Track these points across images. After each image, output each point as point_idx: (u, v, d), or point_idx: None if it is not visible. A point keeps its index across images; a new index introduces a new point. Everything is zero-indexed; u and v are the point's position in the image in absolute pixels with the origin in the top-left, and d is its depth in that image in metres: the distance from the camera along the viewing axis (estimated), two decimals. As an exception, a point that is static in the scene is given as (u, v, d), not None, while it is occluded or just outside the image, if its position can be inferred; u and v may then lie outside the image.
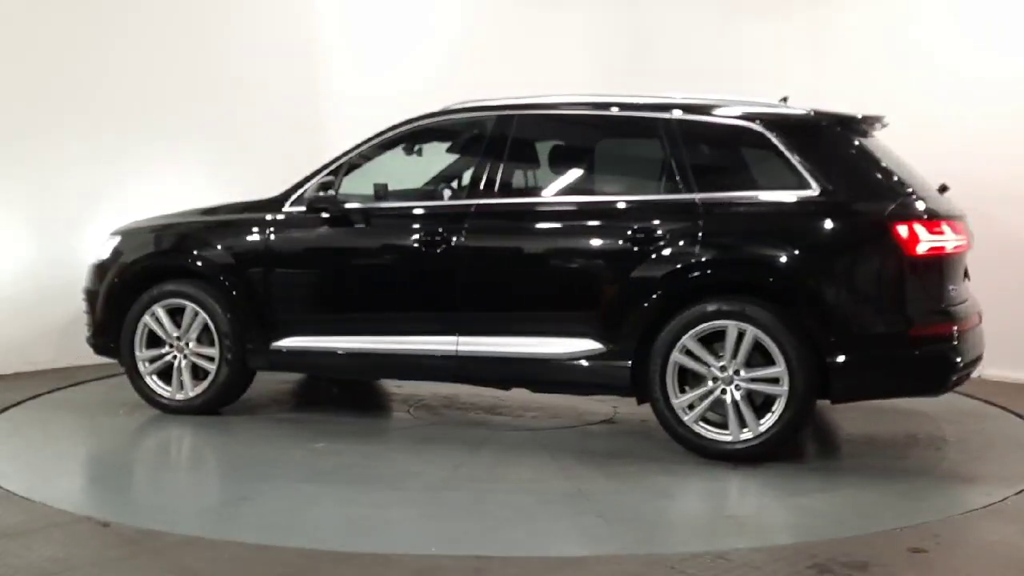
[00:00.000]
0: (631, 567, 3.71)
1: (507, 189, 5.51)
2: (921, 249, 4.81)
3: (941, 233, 4.89)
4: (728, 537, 4.03)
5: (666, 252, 5.06)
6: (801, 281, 4.92)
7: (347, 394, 6.70)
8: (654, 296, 5.05)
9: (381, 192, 5.63)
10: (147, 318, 5.97)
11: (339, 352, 5.66)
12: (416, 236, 5.49)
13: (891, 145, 5.39)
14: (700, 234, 5.05)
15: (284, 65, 8.58)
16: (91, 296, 6.30)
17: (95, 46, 7.56)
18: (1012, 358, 6.64)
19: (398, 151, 5.86)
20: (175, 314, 5.94)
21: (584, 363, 5.18)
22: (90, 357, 7.48)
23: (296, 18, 8.74)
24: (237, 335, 5.79)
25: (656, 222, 5.12)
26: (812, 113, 5.20)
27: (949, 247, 4.93)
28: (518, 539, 4.04)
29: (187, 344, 5.92)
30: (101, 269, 6.24)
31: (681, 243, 5.05)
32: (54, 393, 6.65)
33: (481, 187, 5.51)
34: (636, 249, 5.10)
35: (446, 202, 5.80)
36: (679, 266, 5.03)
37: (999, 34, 7.34)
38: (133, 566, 3.64)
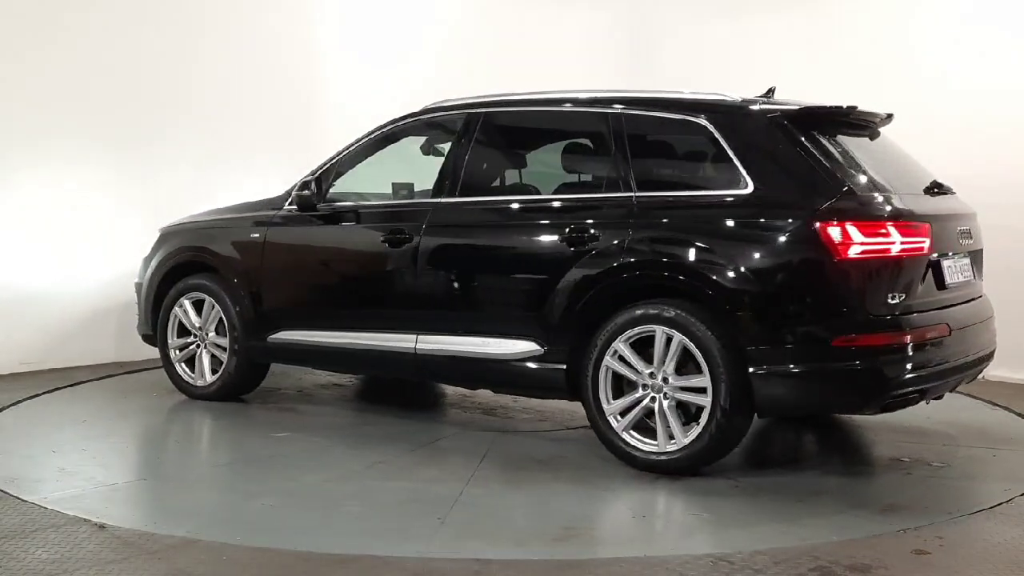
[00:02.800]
0: (632, 569, 3.68)
1: (465, 188, 5.53)
2: (853, 252, 4.46)
3: (883, 235, 4.51)
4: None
5: (598, 253, 4.91)
6: (723, 285, 4.60)
7: (409, 395, 6.71)
8: (587, 298, 4.92)
9: (402, 192, 5.87)
10: (176, 309, 6.45)
11: (320, 346, 5.88)
12: (383, 235, 5.61)
13: (891, 141, 5.31)
14: (630, 234, 4.87)
15: (284, 65, 8.55)
16: (139, 289, 6.78)
17: (91, 45, 7.52)
18: (1014, 359, 6.62)
19: (393, 151, 5.99)
20: (199, 306, 6.38)
21: (527, 364, 5.12)
22: (88, 358, 7.50)
23: (295, 18, 8.71)
24: (242, 327, 6.11)
25: (591, 221, 4.99)
26: (759, 106, 4.92)
27: (894, 250, 4.53)
28: (309, 527, 4.12)
29: (207, 335, 6.33)
30: (146, 264, 6.72)
31: (613, 243, 4.89)
32: (51, 393, 6.64)
33: (442, 186, 5.58)
34: (572, 249, 4.98)
35: (411, 201, 5.92)
36: (609, 267, 4.87)
37: (1000, 33, 7.33)
38: (130, 568, 3.62)
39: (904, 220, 4.60)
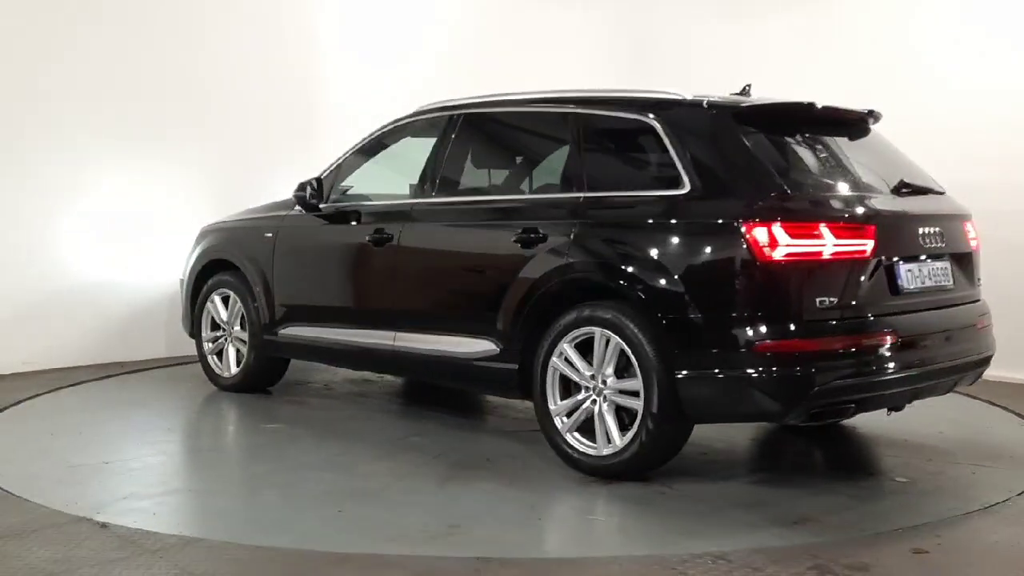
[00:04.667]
0: (631, 568, 3.69)
1: (440, 189, 5.61)
2: (779, 255, 4.28)
3: (813, 237, 4.32)
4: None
5: (546, 253, 4.90)
6: (653, 287, 4.52)
7: (436, 396, 6.70)
8: (535, 299, 4.92)
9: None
10: (208, 305, 6.77)
11: (318, 342, 6.10)
12: (369, 235, 5.72)
13: (879, 140, 5.19)
14: (574, 235, 4.84)
15: (284, 65, 8.55)
16: (182, 285, 7.05)
17: (90, 45, 7.53)
18: (1014, 359, 6.63)
19: (392, 151, 6.12)
20: (228, 302, 6.68)
21: (487, 364, 5.16)
22: (88, 358, 7.50)
23: (296, 18, 8.72)
24: (257, 323, 6.38)
25: (541, 221, 4.98)
26: (705, 103, 4.76)
27: (826, 253, 4.33)
28: (230, 510, 4.35)
29: (232, 329, 6.65)
30: (187, 261, 7.00)
31: (559, 244, 4.86)
32: (52, 393, 6.64)
33: (421, 188, 5.70)
34: (524, 250, 4.99)
35: (394, 202, 6.01)
36: (554, 268, 4.86)
37: (1000, 33, 7.34)
38: (131, 567, 3.62)
39: (840, 221, 4.40)
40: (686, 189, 4.57)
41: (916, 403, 5.06)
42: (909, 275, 4.65)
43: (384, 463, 5.05)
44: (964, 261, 5.04)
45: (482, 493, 4.57)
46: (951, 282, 4.91)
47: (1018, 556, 3.88)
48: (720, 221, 4.43)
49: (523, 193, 5.61)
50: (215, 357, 6.79)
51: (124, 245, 7.76)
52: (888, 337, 4.46)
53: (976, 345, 4.99)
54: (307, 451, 5.29)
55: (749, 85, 5.24)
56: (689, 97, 4.83)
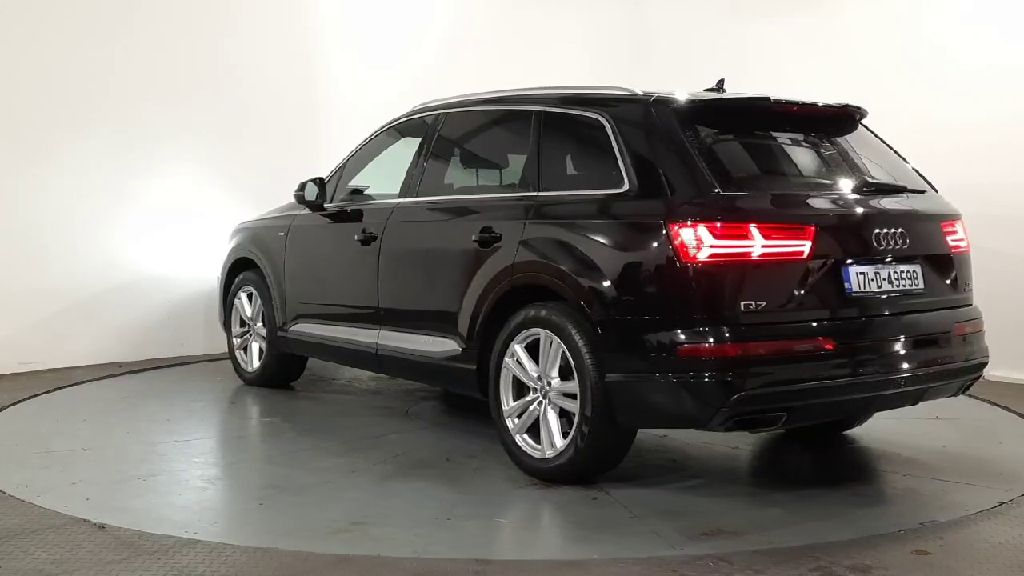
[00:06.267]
0: (632, 569, 3.67)
1: (420, 189, 5.65)
2: (704, 256, 4.11)
3: (740, 237, 4.13)
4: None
5: (499, 253, 4.87)
6: (587, 288, 4.43)
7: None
8: (491, 298, 4.90)
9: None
10: (236, 302, 7.02)
11: (317, 339, 6.25)
12: (359, 234, 5.81)
13: (863, 137, 5.02)
14: (523, 235, 4.79)
15: (284, 65, 8.56)
16: (219, 282, 7.29)
17: (95, 46, 7.54)
18: (1015, 359, 6.62)
19: (393, 151, 6.18)
20: (252, 299, 6.93)
21: (451, 364, 5.17)
22: (86, 358, 7.49)
23: (297, 18, 8.71)
24: (271, 319, 6.64)
25: (497, 222, 4.96)
26: (652, 100, 4.59)
27: (755, 254, 4.15)
28: (133, 496, 4.45)
29: (255, 325, 6.87)
30: (223, 259, 7.21)
31: (511, 244, 4.82)
32: (51, 393, 6.63)
33: (405, 188, 5.74)
34: (482, 250, 4.97)
35: (381, 202, 6.01)
36: (504, 268, 4.83)
37: (1001, 32, 7.33)
38: (130, 568, 3.61)
39: (773, 222, 4.21)
40: (624, 188, 4.47)
41: (918, 405, 4.93)
42: (861, 278, 4.40)
43: (343, 459, 5.14)
44: (942, 264, 4.77)
45: (412, 492, 4.57)
46: (921, 286, 4.63)
47: (1020, 557, 3.86)
48: (648, 221, 4.30)
49: (486, 193, 5.59)
50: (242, 352, 7.02)
51: (123, 245, 7.75)
52: (825, 343, 4.27)
53: (953, 353, 4.70)
54: (279, 445, 5.49)
55: (723, 80, 5.13)
56: (640, 93, 4.68)
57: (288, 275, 6.48)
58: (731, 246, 4.13)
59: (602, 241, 4.46)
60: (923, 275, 4.64)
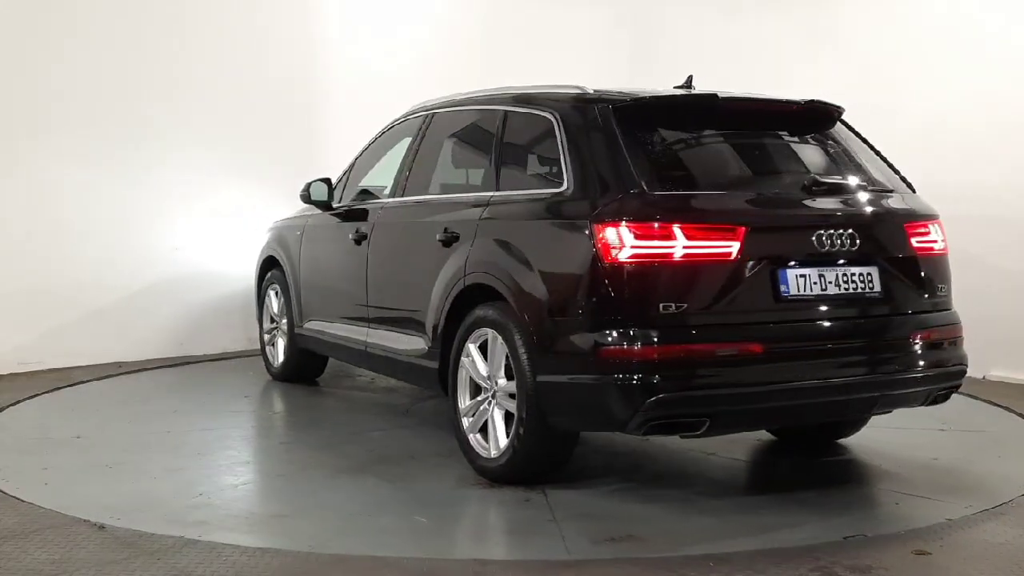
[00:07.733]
0: (632, 569, 3.67)
1: (406, 189, 5.72)
2: (624, 256, 4.05)
3: (661, 238, 4.05)
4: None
5: (457, 253, 4.90)
6: (521, 289, 4.42)
7: None
8: (449, 297, 4.91)
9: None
10: (266, 299, 7.23)
11: (324, 336, 6.40)
12: (353, 233, 5.94)
13: (838, 136, 4.86)
14: (476, 235, 4.80)
15: (285, 65, 8.55)
16: (255, 280, 7.50)
17: (90, 46, 7.53)
18: (1015, 359, 6.61)
19: (395, 151, 6.20)
20: (278, 296, 7.13)
21: (419, 361, 5.22)
22: (86, 358, 7.49)
23: (297, 17, 8.70)
24: (291, 316, 6.82)
25: (457, 221, 4.98)
26: (595, 99, 4.54)
27: (677, 254, 4.06)
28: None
29: (281, 322, 7.07)
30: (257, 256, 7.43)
31: (465, 243, 4.85)
32: (51, 393, 6.64)
33: (394, 188, 5.84)
34: (445, 249, 4.99)
35: (372, 202, 6.09)
36: (459, 267, 4.86)
37: (1000, 33, 7.33)
38: (129, 568, 3.61)
39: (698, 222, 4.12)
40: (563, 188, 4.45)
41: (886, 414, 4.91)
42: (801, 281, 4.24)
43: (310, 454, 5.25)
44: (906, 267, 4.55)
45: (352, 487, 4.64)
46: (877, 289, 4.42)
47: (1020, 557, 3.86)
48: (576, 221, 4.28)
49: (456, 192, 5.58)
50: (270, 348, 7.24)
51: (123, 245, 7.75)
52: (752, 347, 4.13)
53: (912, 360, 4.48)
54: (263, 439, 5.74)
55: (691, 76, 5.05)
56: (590, 92, 4.63)
57: (302, 273, 6.65)
58: (653, 246, 4.06)
59: (538, 242, 4.49)
60: (880, 278, 4.43)
